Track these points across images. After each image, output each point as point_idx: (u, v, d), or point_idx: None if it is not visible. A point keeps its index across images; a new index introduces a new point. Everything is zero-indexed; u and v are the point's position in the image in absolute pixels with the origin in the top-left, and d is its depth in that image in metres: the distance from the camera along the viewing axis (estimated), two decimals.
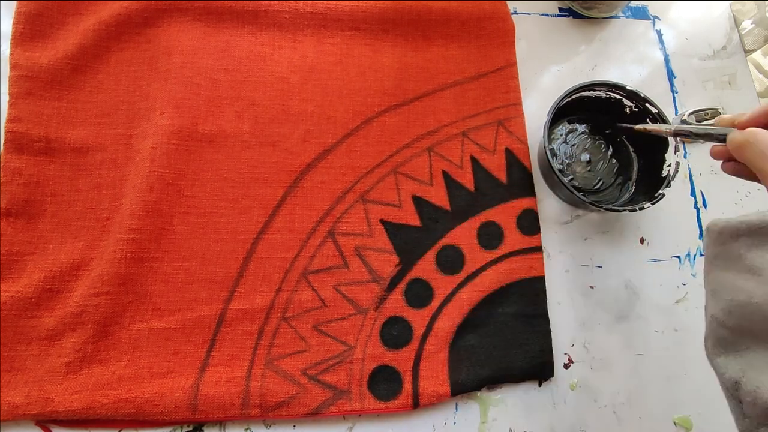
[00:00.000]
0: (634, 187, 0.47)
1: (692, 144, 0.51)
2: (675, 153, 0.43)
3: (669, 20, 0.56)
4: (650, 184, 0.45)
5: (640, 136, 0.46)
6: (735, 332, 0.27)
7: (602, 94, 0.46)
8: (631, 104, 0.46)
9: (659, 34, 0.55)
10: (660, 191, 0.42)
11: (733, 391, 0.27)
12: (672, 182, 0.42)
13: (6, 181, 0.40)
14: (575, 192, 0.41)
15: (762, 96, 0.55)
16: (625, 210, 0.42)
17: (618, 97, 0.46)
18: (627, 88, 0.44)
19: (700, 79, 0.54)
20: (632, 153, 0.48)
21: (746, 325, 0.26)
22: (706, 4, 0.57)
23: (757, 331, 0.26)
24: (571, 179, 0.47)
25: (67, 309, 0.38)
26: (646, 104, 0.44)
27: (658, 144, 0.44)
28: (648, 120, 0.45)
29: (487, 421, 0.41)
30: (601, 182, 0.47)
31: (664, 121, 0.43)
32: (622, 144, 0.48)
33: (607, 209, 0.42)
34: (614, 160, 0.48)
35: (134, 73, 0.44)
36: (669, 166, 0.43)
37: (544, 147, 0.43)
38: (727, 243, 0.27)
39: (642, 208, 0.42)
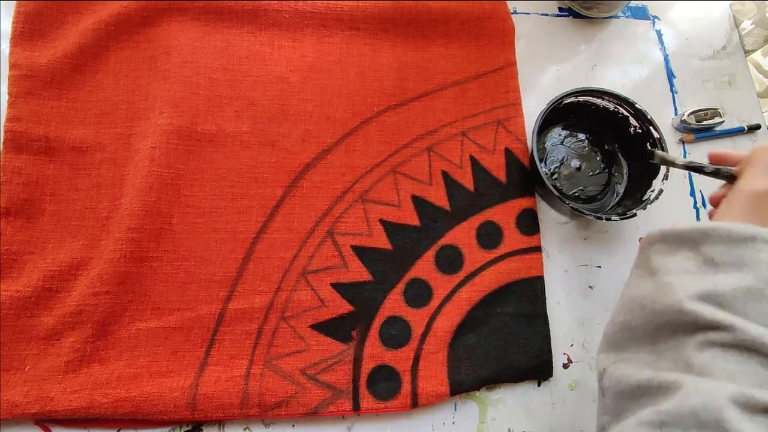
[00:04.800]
0: (617, 200, 0.47)
1: (692, 144, 0.51)
2: (662, 181, 0.43)
3: (669, 20, 0.56)
4: (631, 204, 0.45)
5: (641, 158, 0.46)
6: (620, 328, 0.29)
7: (611, 106, 0.46)
8: (637, 124, 0.46)
9: (659, 34, 0.55)
10: (634, 210, 0.42)
11: (599, 381, 0.29)
12: (649, 206, 0.42)
13: (5, 181, 0.40)
14: (551, 187, 0.42)
15: (762, 96, 0.55)
16: (591, 216, 0.42)
17: (626, 113, 0.46)
18: (636, 106, 0.44)
19: (700, 79, 0.54)
20: (624, 174, 0.48)
21: (629, 319, 0.28)
22: (706, 4, 0.57)
23: (635, 326, 0.28)
24: (555, 179, 0.47)
25: (67, 308, 0.38)
26: (650, 127, 0.44)
27: (650, 168, 0.45)
28: (648, 143, 0.45)
29: (486, 420, 0.41)
30: (582, 190, 0.47)
31: (662, 147, 0.43)
32: (617, 162, 0.48)
33: (575, 209, 0.42)
34: (604, 174, 0.48)
35: (134, 73, 0.44)
36: (652, 191, 0.43)
37: (533, 136, 0.43)
38: (645, 250, 0.30)
39: (609, 219, 0.42)
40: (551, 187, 0.42)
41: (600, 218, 0.42)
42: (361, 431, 0.39)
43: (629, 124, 0.46)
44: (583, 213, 0.42)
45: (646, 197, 0.44)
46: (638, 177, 0.46)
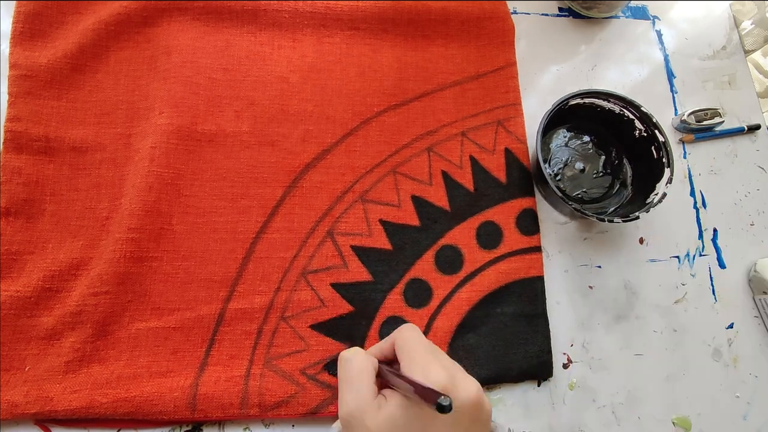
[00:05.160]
0: (621, 202, 0.47)
1: (692, 144, 0.51)
2: (666, 185, 0.43)
3: (669, 20, 0.56)
4: (634, 206, 0.45)
5: (645, 162, 0.46)
6: None
7: (616, 109, 0.46)
8: (642, 127, 0.45)
9: (659, 34, 0.55)
10: (637, 213, 0.42)
11: None
12: (652, 209, 0.42)
13: (5, 181, 0.40)
14: (554, 187, 0.42)
15: (762, 96, 0.55)
16: (594, 218, 0.42)
17: (631, 117, 0.46)
18: (642, 109, 0.44)
19: (700, 79, 0.54)
20: (629, 177, 0.48)
21: None
22: (706, 4, 0.57)
23: None
24: (558, 180, 0.47)
25: (67, 308, 0.38)
26: (656, 131, 0.44)
27: (654, 172, 0.45)
28: (653, 148, 0.45)
29: None
30: (585, 192, 0.47)
31: (668, 152, 0.43)
32: (622, 165, 0.48)
33: (577, 210, 0.42)
34: (608, 177, 0.48)
35: (133, 73, 0.44)
36: (656, 194, 0.43)
37: (537, 136, 0.43)
38: None
39: (611, 221, 0.42)
40: (555, 188, 0.42)
41: (602, 220, 0.42)
42: None
43: (635, 128, 0.46)
44: (586, 215, 0.42)
45: (649, 200, 0.44)
46: (642, 180, 0.46)
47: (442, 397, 0.23)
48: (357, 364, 0.30)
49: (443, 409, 0.23)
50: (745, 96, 0.54)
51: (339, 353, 0.37)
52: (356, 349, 0.31)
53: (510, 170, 0.46)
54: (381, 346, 0.33)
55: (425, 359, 0.28)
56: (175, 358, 0.39)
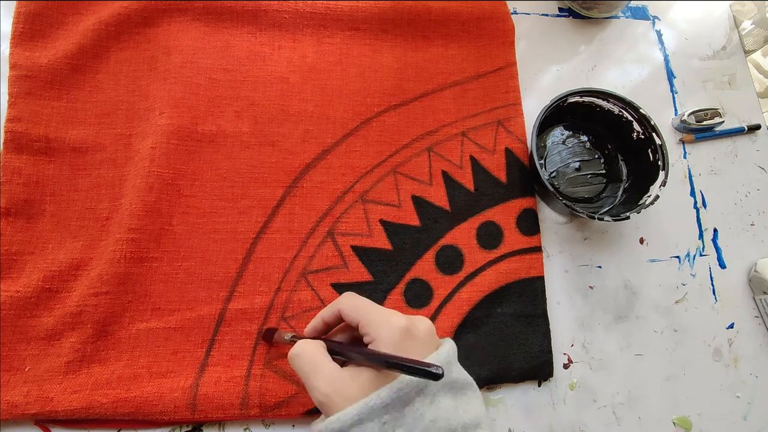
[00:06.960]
0: (615, 203, 0.47)
1: (692, 145, 0.51)
2: (660, 187, 0.43)
3: (669, 20, 0.56)
4: (628, 207, 0.45)
5: (641, 163, 0.46)
6: None
7: (615, 109, 0.46)
8: (640, 129, 0.45)
9: (659, 34, 0.55)
10: (627, 213, 0.42)
11: None
12: (643, 210, 0.42)
13: (5, 181, 0.40)
14: (547, 182, 0.42)
15: (762, 96, 0.55)
16: (584, 214, 0.42)
17: (630, 118, 0.46)
18: (640, 110, 0.44)
19: (700, 79, 0.54)
20: (624, 177, 0.48)
21: None
22: (706, 4, 0.57)
23: None
24: (554, 177, 0.47)
25: (67, 309, 0.38)
26: (653, 134, 0.44)
27: (650, 174, 0.44)
28: (649, 150, 0.45)
29: None
30: (580, 190, 0.47)
31: (663, 155, 0.43)
32: (618, 165, 0.48)
33: (567, 205, 0.42)
34: (604, 177, 0.48)
35: (134, 73, 0.44)
36: (649, 196, 0.43)
37: (533, 131, 0.43)
38: None
39: (602, 219, 0.42)
40: (547, 183, 0.42)
41: (593, 218, 0.42)
42: None
43: (633, 129, 0.46)
44: (577, 211, 0.42)
45: (642, 201, 0.44)
46: (637, 181, 0.46)
47: (434, 367, 0.25)
48: (309, 352, 0.30)
49: (437, 377, 0.25)
50: (745, 96, 0.54)
51: (267, 329, 0.39)
52: (301, 341, 0.31)
53: (510, 170, 0.46)
54: (322, 315, 0.33)
55: (380, 313, 0.30)
56: (176, 359, 0.38)
